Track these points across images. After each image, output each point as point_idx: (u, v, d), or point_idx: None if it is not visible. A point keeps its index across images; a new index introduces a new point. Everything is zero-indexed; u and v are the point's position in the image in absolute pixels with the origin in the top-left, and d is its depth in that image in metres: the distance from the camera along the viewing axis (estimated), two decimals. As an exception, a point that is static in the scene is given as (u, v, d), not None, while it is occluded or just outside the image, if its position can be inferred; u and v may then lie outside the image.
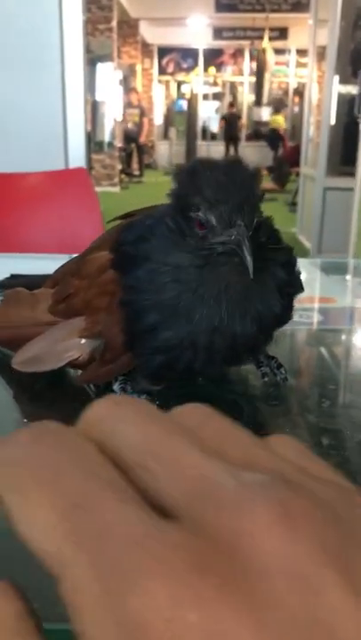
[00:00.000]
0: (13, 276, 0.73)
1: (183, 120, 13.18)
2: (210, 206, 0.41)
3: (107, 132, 9.65)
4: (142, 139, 11.06)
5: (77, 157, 2.27)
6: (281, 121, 11.56)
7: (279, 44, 12.09)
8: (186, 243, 0.43)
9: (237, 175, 0.42)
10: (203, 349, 0.45)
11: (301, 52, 11.56)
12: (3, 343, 0.58)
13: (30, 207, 1.63)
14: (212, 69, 13.47)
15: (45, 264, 1.14)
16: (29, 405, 0.50)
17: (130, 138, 10.85)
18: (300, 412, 0.51)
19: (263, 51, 11.11)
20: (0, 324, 0.57)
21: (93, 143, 9.19)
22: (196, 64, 13.36)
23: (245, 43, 12.69)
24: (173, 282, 0.43)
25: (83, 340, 0.49)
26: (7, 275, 0.74)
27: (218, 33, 12.48)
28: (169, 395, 0.50)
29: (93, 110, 9.16)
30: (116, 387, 0.51)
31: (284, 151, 9.89)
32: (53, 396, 0.51)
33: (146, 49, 12.85)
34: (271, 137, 10.77)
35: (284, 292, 0.46)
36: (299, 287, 0.49)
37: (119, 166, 9.98)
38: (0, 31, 2.12)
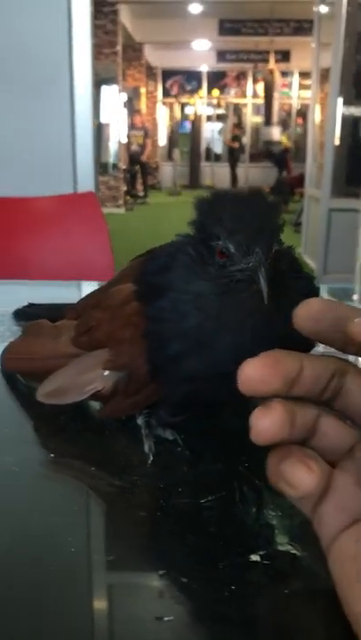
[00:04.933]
0: (30, 305, 0.73)
1: (187, 141, 13.29)
2: (229, 235, 0.40)
3: (111, 154, 9.72)
4: (145, 159, 11.13)
5: (86, 181, 2.29)
6: (285, 141, 11.65)
7: (282, 66, 12.22)
8: (207, 271, 0.42)
9: (257, 205, 0.42)
10: (227, 377, 0.44)
11: (304, 75, 11.69)
12: (25, 375, 0.58)
13: (40, 231, 1.64)
14: (215, 91, 13.61)
15: (58, 291, 1.14)
16: (54, 439, 0.50)
17: (134, 159, 10.93)
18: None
19: (271, 71, 11.22)
20: (22, 355, 0.57)
21: (98, 165, 9.25)
22: (199, 86, 13.49)
23: (248, 65, 12.83)
24: (195, 310, 0.42)
25: (106, 372, 0.48)
26: (24, 302, 0.74)
27: (221, 56, 12.63)
28: (193, 429, 0.49)
29: (98, 132, 9.25)
30: (139, 420, 0.50)
31: (288, 173, 9.96)
32: (78, 430, 0.50)
33: (150, 72, 13.00)
34: (279, 157, 10.85)
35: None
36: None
37: (124, 188, 10.04)
38: (12, 59, 2.14)
